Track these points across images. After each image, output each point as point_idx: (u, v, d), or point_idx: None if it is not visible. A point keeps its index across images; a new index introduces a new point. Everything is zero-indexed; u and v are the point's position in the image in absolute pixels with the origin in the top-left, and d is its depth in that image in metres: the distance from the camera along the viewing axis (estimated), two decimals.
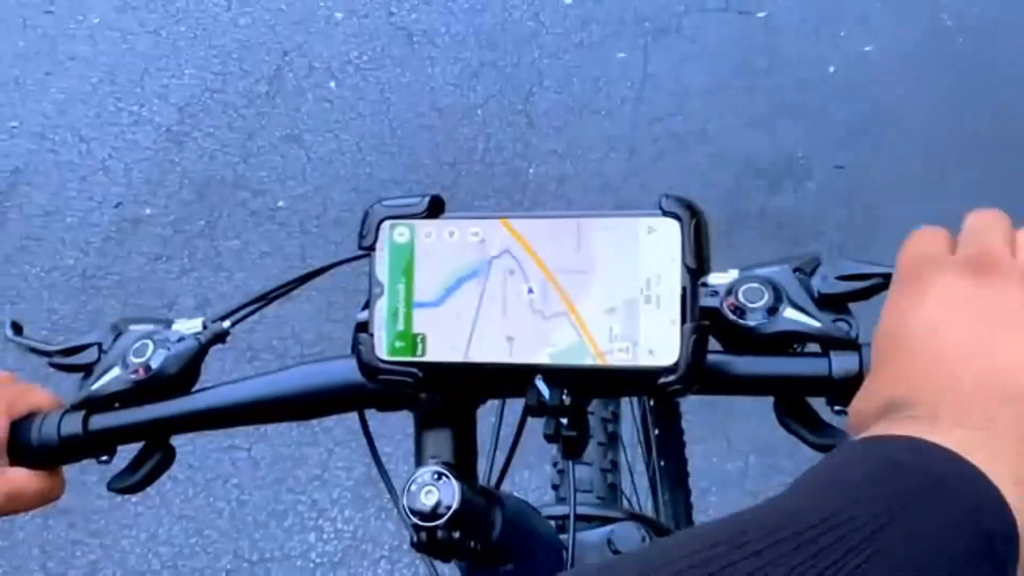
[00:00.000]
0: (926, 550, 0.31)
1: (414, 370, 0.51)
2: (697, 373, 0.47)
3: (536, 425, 0.53)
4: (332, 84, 2.64)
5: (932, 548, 0.31)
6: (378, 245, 0.53)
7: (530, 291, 0.50)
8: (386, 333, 0.52)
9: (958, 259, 0.44)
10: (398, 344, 0.52)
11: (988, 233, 0.44)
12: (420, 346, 0.52)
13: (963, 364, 0.39)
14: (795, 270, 0.56)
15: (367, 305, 0.53)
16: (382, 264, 0.53)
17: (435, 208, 0.53)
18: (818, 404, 0.57)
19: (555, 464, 1.13)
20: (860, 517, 0.31)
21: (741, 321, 0.55)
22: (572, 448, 0.52)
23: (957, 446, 0.35)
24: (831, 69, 2.55)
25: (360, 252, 0.55)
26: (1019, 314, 0.41)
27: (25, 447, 0.62)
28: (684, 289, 0.48)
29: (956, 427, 0.36)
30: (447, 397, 0.57)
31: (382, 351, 0.52)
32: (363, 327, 0.67)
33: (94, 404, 0.62)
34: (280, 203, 2.39)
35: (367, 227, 0.53)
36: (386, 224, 0.53)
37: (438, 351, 0.51)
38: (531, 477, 1.79)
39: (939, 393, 0.39)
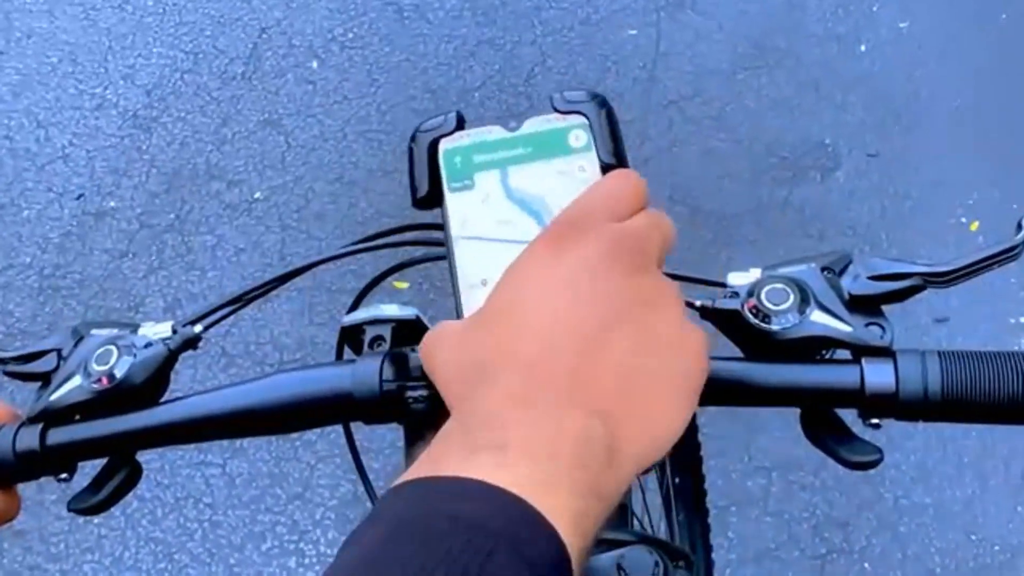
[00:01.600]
0: None
1: None
2: None
3: None
4: (314, 64, 2.64)
5: None
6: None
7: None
8: None
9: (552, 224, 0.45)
10: None
11: (598, 193, 0.46)
12: None
13: (535, 364, 0.40)
14: (823, 269, 0.56)
15: (353, 306, 0.53)
16: None
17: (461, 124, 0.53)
18: (847, 415, 0.57)
19: None
20: None
21: (764, 325, 0.55)
22: None
23: (520, 484, 0.36)
24: (862, 47, 2.55)
25: (346, 249, 0.55)
26: (597, 298, 0.42)
27: None
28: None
29: (522, 459, 0.37)
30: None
31: None
32: (349, 330, 0.67)
33: (53, 416, 0.62)
34: (257, 195, 2.39)
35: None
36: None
37: None
38: None
39: (519, 407, 0.39)
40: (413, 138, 0.53)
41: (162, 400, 0.63)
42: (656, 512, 1.25)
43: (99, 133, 2.54)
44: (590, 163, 0.51)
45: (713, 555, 1.32)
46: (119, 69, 2.66)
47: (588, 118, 0.51)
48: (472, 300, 0.50)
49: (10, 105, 2.61)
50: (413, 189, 0.52)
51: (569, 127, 0.52)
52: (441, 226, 0.68)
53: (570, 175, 0.51)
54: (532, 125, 0.52)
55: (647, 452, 0.40)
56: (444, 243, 0.52)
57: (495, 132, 0.52)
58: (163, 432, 0.62)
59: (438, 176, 0.52)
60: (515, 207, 0.51)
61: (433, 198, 0.52)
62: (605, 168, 0.50)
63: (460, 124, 0.53)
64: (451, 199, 0.51)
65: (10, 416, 0.64)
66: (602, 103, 0.51)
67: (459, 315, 0.50)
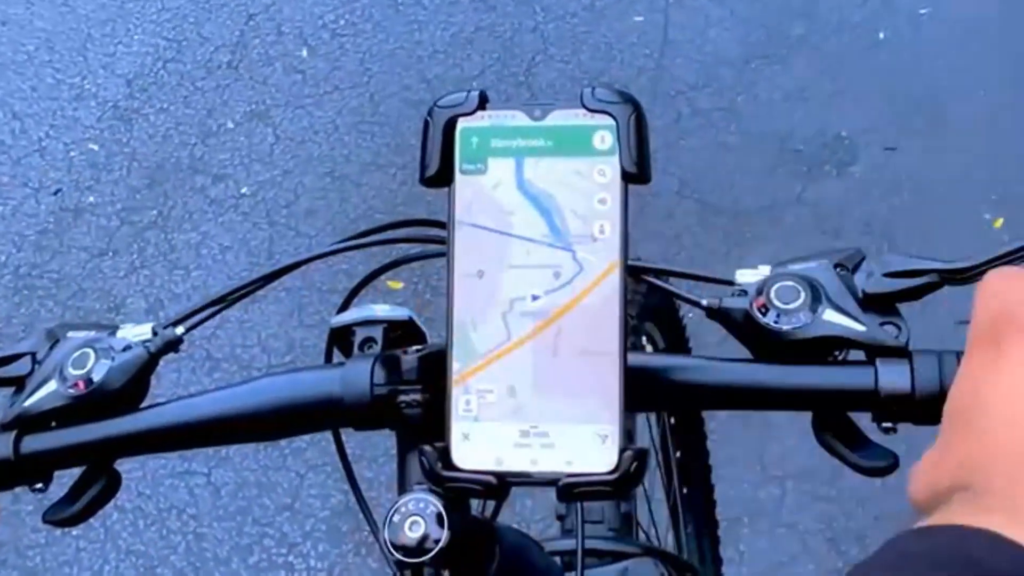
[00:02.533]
0: None
1: None
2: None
3: None
4: (304, 52, 2.64)
5: None
6: None
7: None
8: None
9: None
10: None
11: None
12: None
13: None
14: (836, 266, 0.56)
15: (343, 307, 0.53)
16: None
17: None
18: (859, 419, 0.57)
19: None
20: None
21: (774, 325, 0.55)
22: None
23: None
24: (881, 35, 2.55)
25: (337, 246, 0.55)
26: None
27: None
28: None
29: None
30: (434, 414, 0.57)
31: None
32: (338, 332, 0.67)
33: (27, 423, 0.62)
34: (244, 190, 2.39)
35: None
36: None
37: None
38: (534, 506, 1.79)
39: (1017, 481, 0.39)
40: (430, 112, 0.53)
41: (142, 406, 0.63)
42: (663, 524, 1.26)
43: (77, 125, 2.54)
44: (611, 168, 0.51)
45: (723, 568, 1.32)
46: (98, 58, 2.66)
47: (617, 121, 0.51)
48: (464, 291, 0.50)
49: None
50: (423, 166, 0.53)
51: (595, 127, 0.51)
52: (437, 223, 0.68)
53: (588, 178, 0.51)
54: (557, 118, 0.52)
55: None
56: (443, 234, 0.52)
57: (518, 118, 0.52)
58: (144, 439, 0.62)
59: (451, 155, 0.52)
60: (525, 200, 0.51)
61: (442, 177, 0.52)
62: (626, 176, 0.50)
63: (482, 103, 0.53)
64: (461, 181, 0.52)
65: None
66: (634, 107, 0.51)
67: (449, 307, 0.50)
